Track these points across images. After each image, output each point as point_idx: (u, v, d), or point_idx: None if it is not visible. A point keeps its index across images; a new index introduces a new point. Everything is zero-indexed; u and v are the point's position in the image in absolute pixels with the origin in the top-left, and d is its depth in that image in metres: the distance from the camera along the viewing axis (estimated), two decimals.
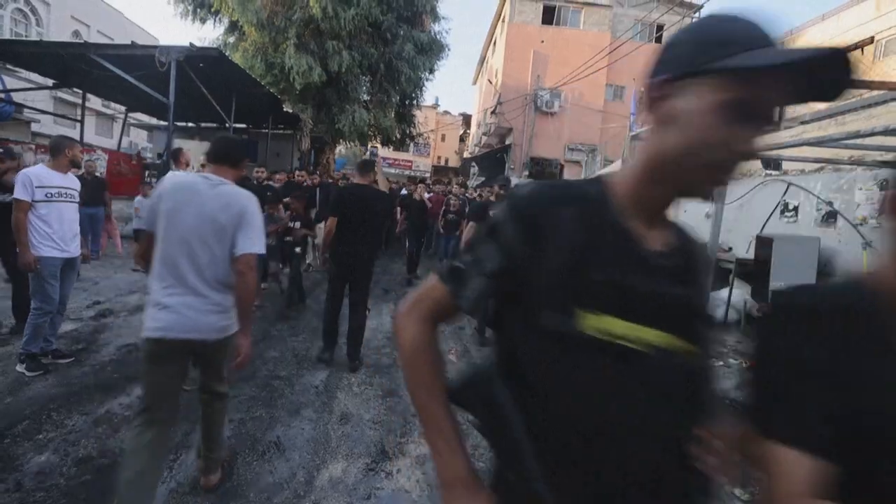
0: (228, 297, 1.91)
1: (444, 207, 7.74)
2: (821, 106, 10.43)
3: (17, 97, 11.21)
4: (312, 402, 3.12)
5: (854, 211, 4.82)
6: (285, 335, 4.40)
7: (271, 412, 2.93)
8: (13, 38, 16.27)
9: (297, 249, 5.29)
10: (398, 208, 8.60)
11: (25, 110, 12.15)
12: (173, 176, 2.04)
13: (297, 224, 5.34)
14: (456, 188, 9.26)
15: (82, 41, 15.45)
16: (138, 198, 6.26)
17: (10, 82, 11.18)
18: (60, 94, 16.40)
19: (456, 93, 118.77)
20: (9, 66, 10.68)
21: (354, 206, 3.60)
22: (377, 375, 3.64)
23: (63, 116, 14.23)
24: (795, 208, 5.50)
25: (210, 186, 1.88)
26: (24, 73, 10.50)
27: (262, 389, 3.23)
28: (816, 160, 4.57)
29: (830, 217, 5.06)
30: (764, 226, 5.83)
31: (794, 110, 8.60)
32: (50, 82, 10.38)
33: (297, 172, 6.66)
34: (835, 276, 4.90)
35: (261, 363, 3.66)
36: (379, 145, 18.50)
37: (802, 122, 7.00)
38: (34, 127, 14.23)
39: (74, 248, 3.29)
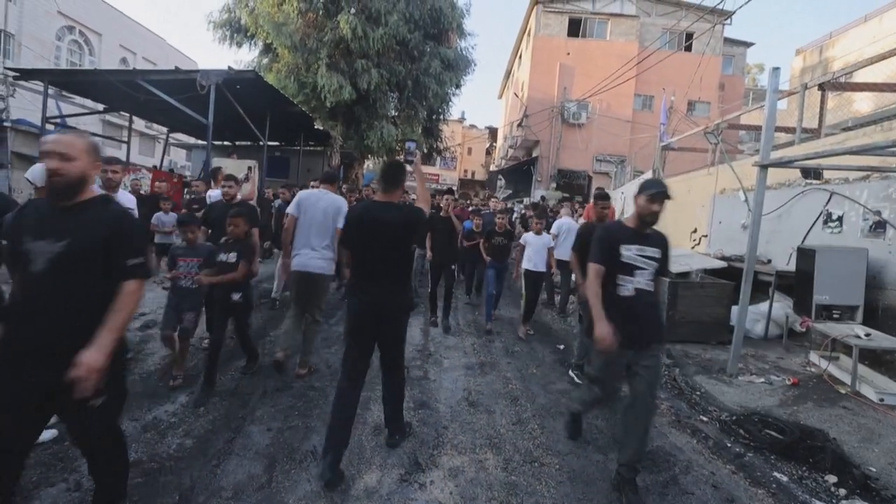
0: (330, 252, 3.75)
1: (476, 227, 6.19)
2: (865, 111, 10.00)
3: (70, 122, 12.02)
4: None
5: None
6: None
7: (307, 422, 3.00)
8: (69, 67, 17.49)
9: (237, 297, 3.42)
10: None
11: None
12: (305, 191, 4.03)
13: (233, 257, 3.38)
14: (493, 203, 8.35)
15: (130, 68, 16.45)
16: (157, 214, 6.26)
17: (64, 108, 12.01)
18: (107, 117, 17.45)
19: (482, 107, 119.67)
20: (64, 93, 11.48)
21: (368, 234, 2.52)
22: (409, 388, 3.65)
23: (110, 138, 15.16)
24: (840, 218, 5.27)
25: (322, 195, 3.81)
26: (78, 99, 11.25)
27: (299, 400, 3.31)
28: (861, 168, 4.38)
29: (879, 227, 4.82)
30: (805, 237, 5.61)
31: (834, 118, 8.27)
32: (100, 107, 11.08)
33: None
34: (884, 288, 4.65)
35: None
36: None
37: (845, 130, 6.75)
38: None
39: None
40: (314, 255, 3.67)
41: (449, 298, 5.67)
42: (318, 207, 3.69)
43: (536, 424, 3.19)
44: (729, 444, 3.04)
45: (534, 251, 5.37)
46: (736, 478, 2.67)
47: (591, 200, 3.45)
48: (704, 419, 3.41)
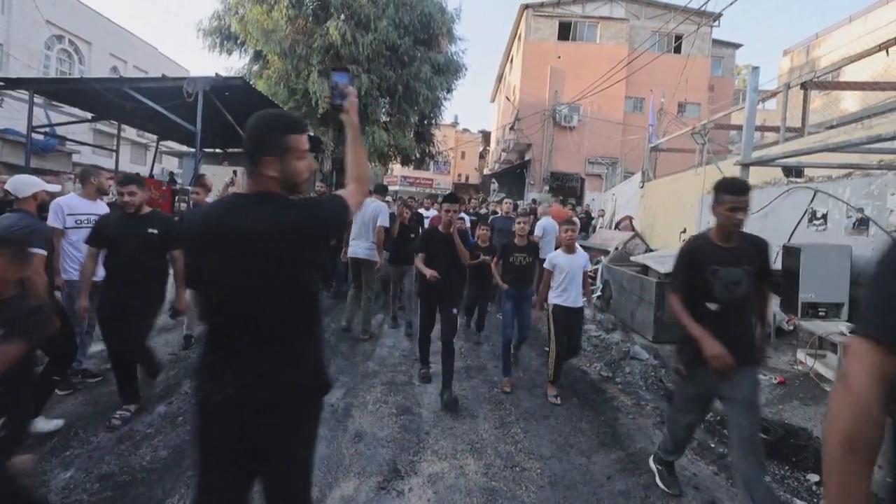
0: (373, 245, 4.97)
1: (482, 241, 4.90)
2: (852, 109, 10.07)
3: (59, 130, 11.97)
4: (328, 419, 3.13)
5: (887, 217, 4.60)
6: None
7: None
8: (58, 76, 17.43)
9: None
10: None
11: (67, 142, 12.90)
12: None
13: None
14: (506, 205, 7.10)
15: (119, 76, 16.43)
16: None
17: (54, 117, 11.96)
18: (98, 125, 17.41)
19: (476, 110, 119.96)
20: (53, 103, 11.45)
21: (220, 258, 1.27)
22: (392, 394, 3.64)
23: (101, 147, 15.09)
24: (824, 216, 5.29)
25: (370, 202, 4.95)
26: (67, 108, 11.22)
27: None
28: (842, 166, 4.40)
29: (862, 224, 4.84)
30: (791, 235, 5.62)
31: (819, 116, 8.30)
32: (89, 115, 11.03)
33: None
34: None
35: None
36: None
37: (829, 128, 6.79)
38: (75, 157, 15.12)
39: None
40: (364, 245, 4.95)
41: (450, 355, 3.53)
42: (367, 212, 4.92)
43: (520, 428, 3.16)
44: (713, 445, 3.03)
45: (566, 278, 3.72)
46: (718, 479, 2.65)
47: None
48: None
